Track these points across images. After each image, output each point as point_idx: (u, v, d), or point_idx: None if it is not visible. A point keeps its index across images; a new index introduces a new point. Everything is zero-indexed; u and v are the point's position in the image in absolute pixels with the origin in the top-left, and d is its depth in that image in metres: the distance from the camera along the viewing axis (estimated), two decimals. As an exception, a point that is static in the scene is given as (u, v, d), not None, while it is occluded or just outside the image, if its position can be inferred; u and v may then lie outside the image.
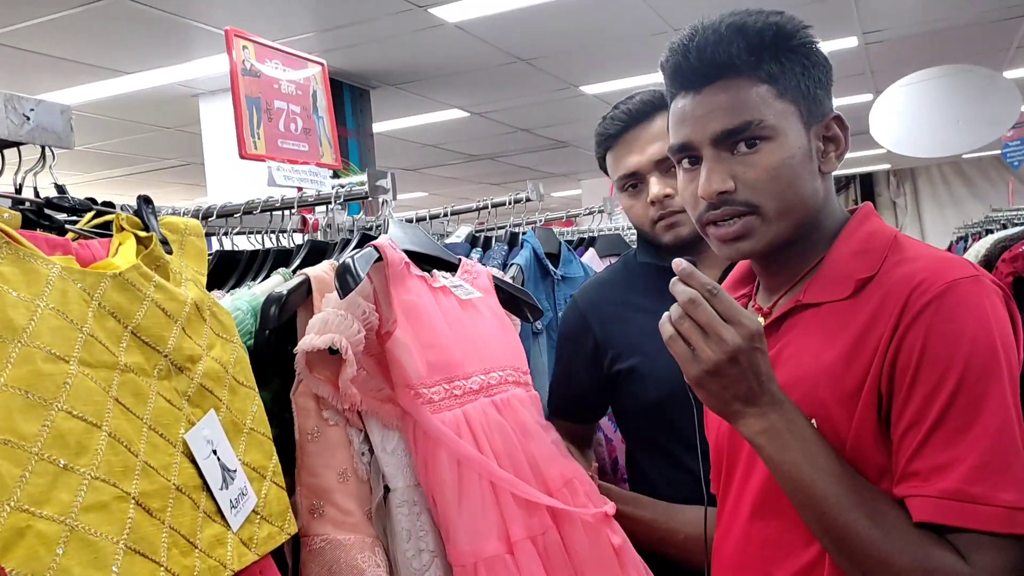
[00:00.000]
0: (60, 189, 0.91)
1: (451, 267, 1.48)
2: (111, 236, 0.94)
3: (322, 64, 2.40)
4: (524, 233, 2.18)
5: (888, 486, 0.88)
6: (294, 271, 1.39)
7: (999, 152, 7.05)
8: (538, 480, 1.27)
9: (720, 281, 1.43)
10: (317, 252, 1.50)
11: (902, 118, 4.65)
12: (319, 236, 1.66)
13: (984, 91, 4.44)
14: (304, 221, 1.78)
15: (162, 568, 0.74)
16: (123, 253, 0.90)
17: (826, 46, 1.08)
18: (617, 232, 2.79)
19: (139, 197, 0.99)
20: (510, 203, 2.16)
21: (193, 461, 0.86)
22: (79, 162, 6.54)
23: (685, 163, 1.01)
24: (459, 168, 8.12)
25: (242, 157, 2.02)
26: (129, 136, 5.79)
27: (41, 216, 0.87)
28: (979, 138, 4.63)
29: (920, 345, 0.86)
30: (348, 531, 1.14)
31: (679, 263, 0.89)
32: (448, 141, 6.94)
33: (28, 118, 0.86)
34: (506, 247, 2.16)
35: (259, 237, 1.59)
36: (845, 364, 0.91)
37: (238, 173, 4.01)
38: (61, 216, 0.91)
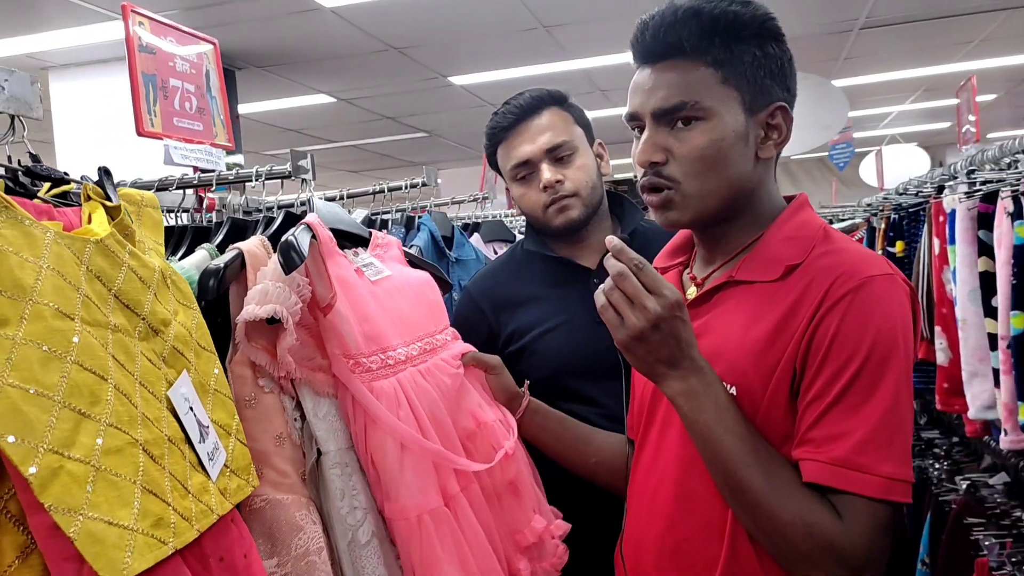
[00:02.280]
0: (35, 158, 0.93)
1: (364, 242, 1.56)
2: (78, 205, 0.97)
3: (214, 43, 2.39)
4: (420, 216, 2.28)
5: (789, 449, 0.99)
6: (218, 246, 1.43)
7: (824, 154, 7.74)
8: (459, 434, 1.38)
9: (599, 263, 1.58)
10: (238, 229, 1.54)
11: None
12: (214, 216, 1.70)
13: (817, 98, 4.88)
14: (201, 200, 1.80)
15: (170, 507, 0.81)
16: (97, 221, 0.94)
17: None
18: (500, 219, 2.93)
19: (100, 168, 1.02)
20: (406, 188, 2.25)
21: (176, 416, 0.92)
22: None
23: (636, 131, 1.09)
24: (320, 154, 8.02)
25: (139, 134, 2.01)
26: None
27: (16, 183, 0.90)
28: (811, 141, 5.09)
29: (833, 330, 0.96)
30: (286, 491, 1.20)
31: (611, 240, 0.98)
32: (311, 126, 6.85)
33: (3, 88, 0.89)
34: (403, 230, 2.25)
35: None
36: (768, 341, 1.00)
37: (94, 151, 3.84)
38: (35, 183, 0.93)
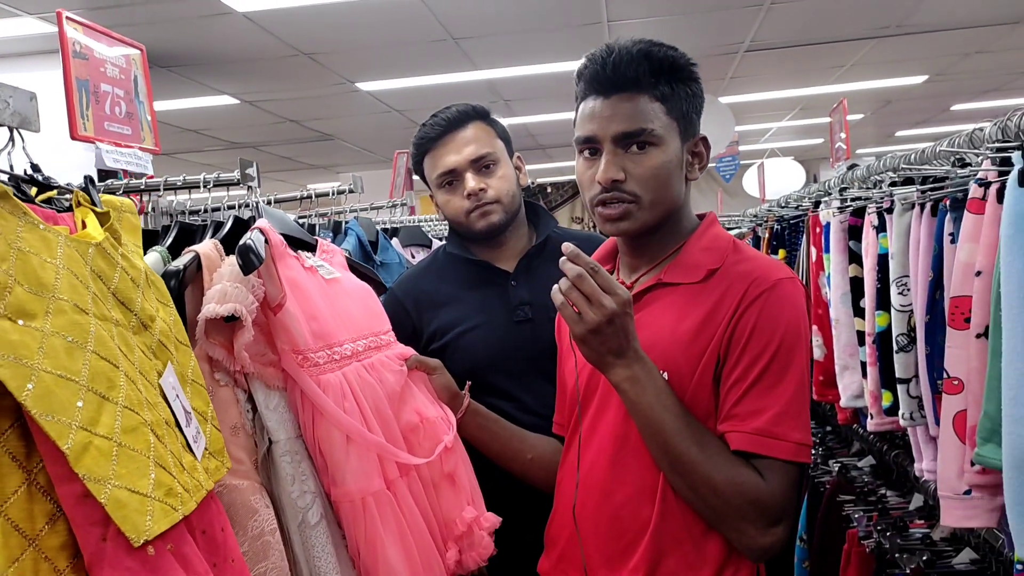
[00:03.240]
0: (35, 168, 1.02)
1: (310, 247, 1.67)
2: (71, 211, 1.06)
3: (141, 48, 2.45)
4: (347, 222, 2.38)
5: (712, 425, 1.18)
6: (169, 248, 1.51)
7: (713, 166, 8.17)
8: (400, 426, 1.51)
9: (516, 267, 1.73)
10: (186, 233, 1.62)
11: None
12: (146, 221, 1.77)
13: (707, 114, 5.19)
14: (133, 207, 1.87)
15: (176, 480, 0.92)
16: (91, 226, 1.04)
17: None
18: (418, 225, 3.05)
19: (85, 177, 1.11)
20: (333, 194, 2.36)
21: (167, 402, 1.02)
22: None
23: (587, 152, 1.24)
24: (218, 155, 7.91)
25: (73, 138, 2.06)
26: None
27: (18, 190, 0.98)
28: (701, 154, 5.42)
29: (752, 324, 1.16)
30: (241, 477, 1.30)
31: (568, 247, 1.12)
32: (212, 127, 6.76)
33: (8, 103, 0.97)
34: (331, 234, 2.35)
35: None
36: (695, 333, 1.19)
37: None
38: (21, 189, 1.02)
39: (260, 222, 1.48)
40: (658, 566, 1.20)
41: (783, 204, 2.80)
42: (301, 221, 2.32)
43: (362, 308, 1.59)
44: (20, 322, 0.82)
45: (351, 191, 2.32)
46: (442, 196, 1.76)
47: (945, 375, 1.28)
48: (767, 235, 2.99)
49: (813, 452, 2.78)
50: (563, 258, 1.12)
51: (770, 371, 1.15)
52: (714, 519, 1.17)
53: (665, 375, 1.19)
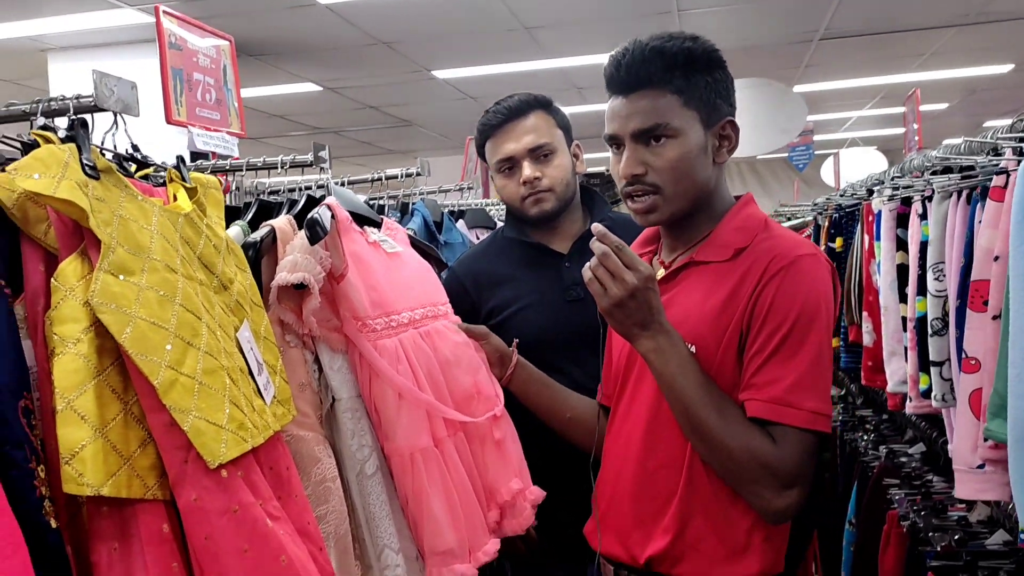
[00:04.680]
0: (135, 148, 1.18)
1: (375, 224, 1.81)
2: (164, 185, 1.22)
3: (230, 40, 2.63)
4: (414, 203, 2.53)
5: (736, 394, 1.24)
6: (249, 223, 1.67)
7: (786, 155, 8.08)
8: (451, 393, 1.63)
9: (570, 249, 1.85)
10: (264, 209, 1.78)
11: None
12: (231, 198, 1.94)
13: (778, 103, 5.19)
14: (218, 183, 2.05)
15: (247, 417, 1.07)
16: (181, 199, 1.19)
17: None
18: (483, 208, 3.18)
19: (177, 156, 1.27)
20: (402, 177, 2.50)
21: (242, 353, 1.17)
22: None
23: (614, 149, 1.32)
24: (301, 140, 8.21)
25: (168, 122, 2.24)
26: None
27: (120, 166, 1.14)
28: (773, 143, 5.41)
29: (771, 298, 1.22)
30: (307, 429, 1.45)
31: (597, 227, 1.22)
32: (295, 112, 7.04)
33: (113, 91, 1.13)
34: (398, 214, 2.50)
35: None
36: (721, 308, 1.26)
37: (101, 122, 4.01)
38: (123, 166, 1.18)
39: (328, 200, 1.62)
40: (687, 528, 1.29)
41: (842, 194, 2.82)
42: (372, 202, 2.48)
43: (420, 281, 1.72)
44: (121, 277, 0.97)
45: (418, 174, 2.46)
46: (500, 181, 1.87)
47: (964, 355, 1.34)
48: (826, 223, 3.01)
49: (865, 438, 2.81)
50: (593, 238, 1.22)
51: (787, 343, 1.21)
52: (732, 482, 1.25)
53: (693, 348, 1.27)
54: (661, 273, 1.39)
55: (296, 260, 1.47)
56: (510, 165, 1.83)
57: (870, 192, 2.39)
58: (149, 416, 0.97)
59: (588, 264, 1.23)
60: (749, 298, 1.25)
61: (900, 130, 10.17)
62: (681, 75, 1.26)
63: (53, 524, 0.90)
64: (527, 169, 1.79)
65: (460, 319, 1.73)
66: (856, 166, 7.79)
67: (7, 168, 0.94)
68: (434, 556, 1.49)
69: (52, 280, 0.95)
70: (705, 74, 1.28)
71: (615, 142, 1.32)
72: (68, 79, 4.68)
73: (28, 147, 1.02)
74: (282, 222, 1.58)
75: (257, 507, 1.02)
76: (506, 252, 1.92)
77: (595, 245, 1.21)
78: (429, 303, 1.69)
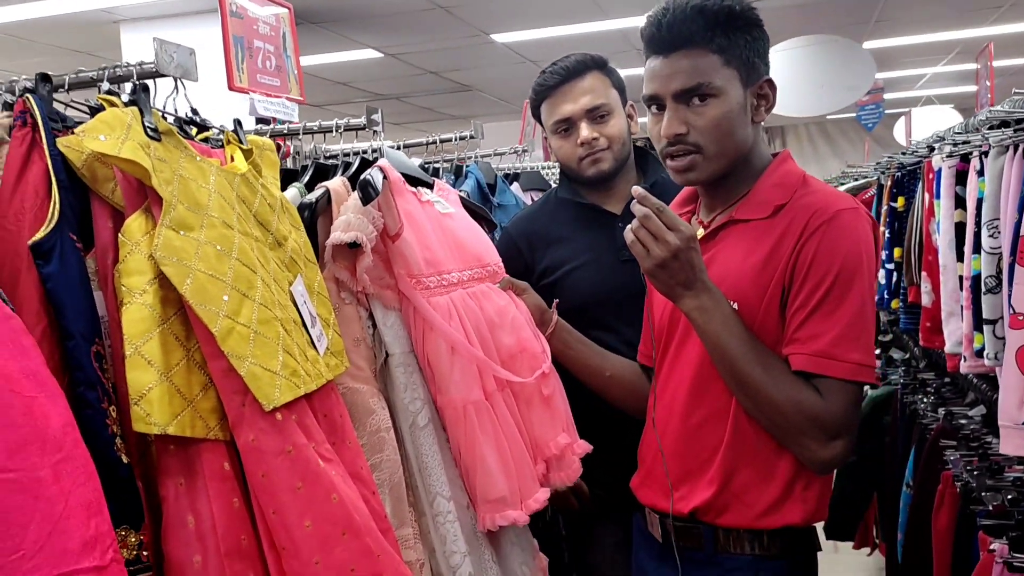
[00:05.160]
0: (194, 111, 1.24)
1: (427, 185, 1.86)
2: (223, 147, 1.29)
3: (289, 7, 2.69)
4: (468, 166, 2.57)
5: (779, 349, 1.27)
6: (306, 185, 1.74)
7: (854, 115, 7.85)
8: (499, 351, 1.68)
9: (624, 209, 1.86)
10: (321, 171, 1.84)
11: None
12: (292, 162, 2.00)
13: (844, 60, 5.05)
14: (279, 147, 2.12)
15: (299, 365, 1.13)
16: (238, 160, 1.26)
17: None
18: (537, 170, 3.20)
19: (235, 120, 1.33)
20: (456, 140, 2.54)
21: (296, 306, 1.24)
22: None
23: (654, 109, 1.33)
24: (362, 106, 8.29)
25: (230, 89, 2.32)
26: (44, 58, 5.74)
27: (180, 129, 1.21)
28: (838, 101, 5.26)
29: (812, 253, 1.23)
30: (361, 382, 1.51)
31: (637, 190, 1.24)
32: (358, 79, 7.13)
33: (173, 58, 1.19)
34: (453, 176, 2.55)
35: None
36: (762, 265, 1.27)
37: (160, 100, 4.15)
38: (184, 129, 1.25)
39: (380, 162, 1.67)
40: (731, 479, 1.32)
41: (904, 152, 2.76)
42: (427, 165, 2.53)
43: (470, 241, 1.77)
44: (181, 232, 1.04)
45: (472, 137, 2.50)
46: (556, 141, 1.88)
47: (1012, 311, 1.32)
48: (889, 183, 2.95)
49: (924, 400, 2.77)
50: (633, 200, 1.24)
51: (830, 297, 1.22)
52: (779, 435, 1.27)
53: (735, 305, 1.28)
54: (700, 233, 1.40)
55: (349, 220, 1.52)
56: (567, 126, 1.84)
57: (931, 149, 2.34)
58: (209, 362, 1.04)
59: (630, 226, 1.25)
60: (790, 254, 1.26)
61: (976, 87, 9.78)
62: (722, 34, 1.26)
63: (124, 459, 0.98)
64: (584, 130, 1.80)
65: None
66: (930, 125, 7.53)
67: (76, 131, 1.02)
68: (486, 503, 1.55)
69: (119, 235, 1.03)
70: (744, 33, 1.28)
71: (655, 102, 1.33)
72: (139, 49, 4.83)
73: (95, 111, 1.09)
74: (336, 184, 1.63)
75: (309, 449, 1.09)
76: (560, 213, 1.94)
77: (636, 207, 1.23)
78: (477, 264, 1.73)
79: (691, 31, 1.26)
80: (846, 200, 1.29)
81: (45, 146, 1.01)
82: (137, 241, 1.02)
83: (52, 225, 0.98)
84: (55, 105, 1.12)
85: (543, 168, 3.36)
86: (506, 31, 5.88)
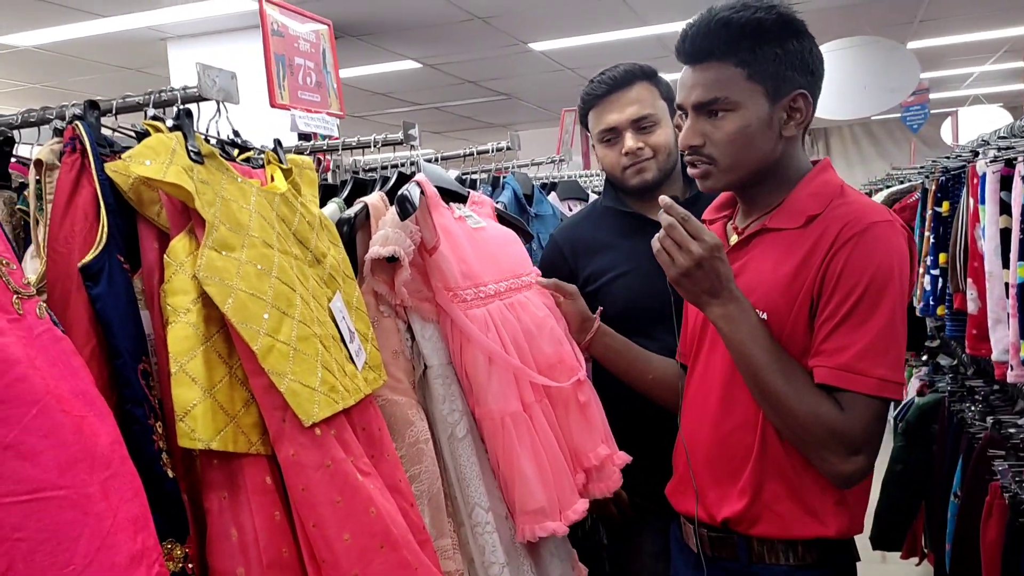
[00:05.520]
0: (236, 133, 1.28)
1: (462, 199, 1.88)
2: (263, 167, 1.32)
3: (329, 24, 2.73)
4: (505, 176, 2.59)
5: (807, 361, 1.25)
6: (345, 200, 1.77)
7: (898, 116, 7.72)
8: (536, 361, 1.69)
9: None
10: (359, 186, 1.88)
11: (817, 83, 5.17)
12: (333, 176, 2.04)
13: (887, 61, 4.97)
14: (319, 162, 2.15)
15: (338, 381, 1.16)
16: (278, 179, 1.29)
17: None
18: (575, 179, 3.21)
19: (275, 140, 1.37)
20: (492, 151, 2.56)
21: (334, 322, 1.26)
22: (51, 100, 6.60)
23: (682, 116, 1.34)
24: (402, 116, 8.39)
25: (272, 106, 2.36)
26: (95, 75, 5.91)
27: (223, 151, 1.25)
28: (882, 103, 5.18)
29: (842, 265, 1.21)
30: (400, 394, 1.53)
31: (664, 199, 1.26)
32: (397, 90, 7.21)
33: (215, 82, 1.23)
34: (490, 188, 2.57)
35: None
36: (793, 276, 1.26)
37: (207, 114, 4.25)
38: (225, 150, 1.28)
39: (417, 176, 1.69)
40: (762, 490, 1.31)
41: (949, 156, 2.71)
42: (465, 176, 2.56)
43: (505, 253, 1.78)
44: (223, 253, 1.07)
45: (508, 148, 2.51)
46: (602, 150, 1.90)
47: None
48: (933, 187, 2.90)
49: (972, 409, 2.72)
50: (661, 210, 1.25)
51: (858, 310, 1.20)
52: (800, 446, 1.26)
53: (764, 315, 1.28)
54: (735, 239, 1.40)
55: (387, 234, 1.55)
56: (612, 136, 1.85)
57: (975, 154, 2.30)
58: (251, 379, 1.07)
59: (656, 236, 1.27)
60: (820, 265, 1.24)
61: (1027, 85, 9.55)
62: (747, 47, 1.25)
63: (170, 474, 1.01)
64: (629, 140, 1.81)
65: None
66: (979, 124, 7.38)
67: (122, 156, 1.05)
68: (525, 515, 1.56)
69: (164, 256, 1.06)
70: (775, 46, 1.26)
71: (681, 110, 1.34)
72: (186, 65, 4.95)
73: (141, 136, 1.13)
74: (374, 199, 1.66)
75: (348, 463, 1.11)
76: (604, 221, 1.95)
77: (662, 217, 1.25)
78: (512, 275, 1.75)
79: (712, 44, 1.26)
80: (881, 212, 1.27)
81: (94, 171, 1.05)
82: (181, 262, 1.05)
83: (101, 247, 1.01)
84: (103, 130, 1.16)
85: (581, 177, 3.37)
86: (543, 40, 5.90)
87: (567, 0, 4.91)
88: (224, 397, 1.05)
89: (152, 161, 1.05)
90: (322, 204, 1.80)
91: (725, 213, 1.49)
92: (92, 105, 1.15)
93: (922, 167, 3.19)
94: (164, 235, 1.09)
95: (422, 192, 1.63)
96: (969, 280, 2.29)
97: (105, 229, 1.03)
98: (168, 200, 1.09)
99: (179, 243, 1.07)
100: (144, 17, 4.65)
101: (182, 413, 1.00)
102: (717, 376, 1.38)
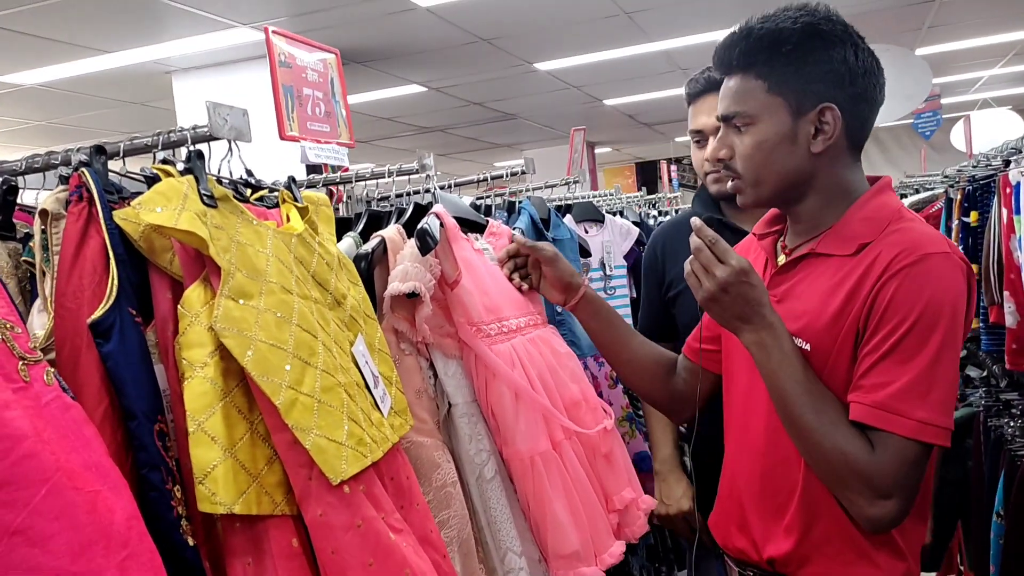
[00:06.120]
0: (249, 172, 1.22)
1: (480, 228, 1.82)
2: (278, 206, 1.26)
3: (336, 53, 2.69)
4: (520, 201, 2.52)
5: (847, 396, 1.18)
6: (360, 234, 1.71)
7: (911, 122, 7.65)
8: (562, 399, 1.62)
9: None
10: (374, 219, 1.82)
11: (827, 92, 5.10)
12: (345, 208, 1.98)
13: (899, 68, 4.91)
14: (331, 193, 2.10)
15: (365, 432, 1.09)
16: (294, 219, 1.23)
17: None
18: (590, 200, 3.15)
19: (289, 177, 1.31)
20: (507, 176, 2.50)
21: (358, 367, 1.20)
22: (57, 137, 6.61)
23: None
24: (408, 140, 8.37)
25: (282, 139, 2.31)
26: (101, 111, 5.91)
27: (236, 191, 1.19)
28: (897, 111, 5.12)
29: (890, 296, 1.13)
30: (425, 435, 1.47)
31: (695, 221, 1.21)
32: (403, 115, 7.19)
33: (227, 120, 1.17)
34: (506, 213, 2.50)
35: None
36: (840, 307, 1.18)
37: (215, 147, 4.23)
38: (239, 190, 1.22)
39: (436, 207, 1.63)
40: (812, 527, 1.24)
41: (975, 164, 2.64)
42: (479, 201, 2.50)
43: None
44: (240, 301, 1.01)
45: (523, 172, 2.46)
46: (692, 151, 1.90)
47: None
48: (959, 196, 2.82)
49: (1012, 425, 2.63)
50: (692, 233, 1.20)
51: (903, 346, 1.13)
52: (827, 483, 1.19)
53: (807, 346, 1.21)
54: (782, 259, 1.33)
55: (407, 269, 1.49)
56: (699, 138, 1.84)
57: (1006, 163, 2.23)
58: (273, 435, 1.00)
59: (689, 259, 1.22)
60: (868, 295, 1.17)
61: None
62: (765, 60, 1.20)
63: (190, 542, 0.94)
64: (711, 146, 1.79)
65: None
66: (989, 128, 7.30)
67: (132, 203, 1.00)
68: (559, 559, 1.49)
69: (179, 307, 1.00)
70: (798, 57, 1.19)
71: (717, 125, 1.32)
72: (192, 98, 4.93)
73: (151, 180, 1.07)
74: (391, 232, 1.60)
75: (380, 521, 1.04)
76: (678, 233, 1.91)
77: (692, 239, 1.20)
78: (528, 311, 1.68)
79: (731, 57, 1.23)
80: (938, 243, 1.17)
81: (102, 220, 0.99)
82: (196, 312, 0.99)
83: (111, 302, 0.95)
84: (111, 175, 1.10)
85: (595, 198, 3.31)
86: (549, 59, 5.87)
87: (572, 19, 4.88)
88: (246, 456, 0.98)
89: (163, 208, 0.99)
90: (336, 238, 1.75)
91: (776, 228, 1.41)
92: (98, 150, 1.09)
93: (945, 175, 3.11)
94: (178, 284, 1.03)
95: (441, 224, 1.57)
96: (1006, 293, 2.21)
97: (115, 281, 0.97)
98: (181, 248, 1.03)
99: (194, 292, 1.01)
100: (148, 51, 4.64)
101: (202, 475, 0.93)
102: (762, 405, 1.30)
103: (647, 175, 12.60)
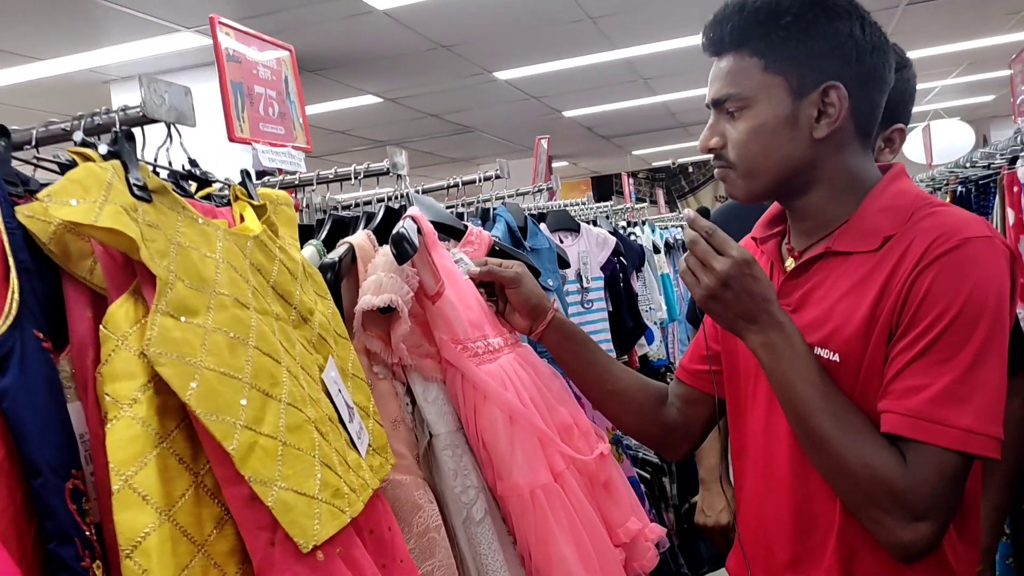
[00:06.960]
0: (193, 163, 1.00)
1: (459, 234, 1.62)
2: (229, 205, 1.04)
3: (290, 49, 2.48)
4: (495, 209, 2.33)
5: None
6: (324, 242, 1.50)
7: (870, 133, 7.68)
8: (556, 425, 1.43)
9: None
10: (339, 225, 1.61)
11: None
12: (301, 216, 1.76)
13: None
14: (290, 199, 1.88)
15: (342, 480, 0.87)
16: (249, 219, 1.01)
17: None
18: (564, 209, 2.98)
19: (242, 171, 1.09)
20: (479, 181, 2.31)
21: (329, 398, 0.98)
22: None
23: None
24: (363, 154, 8.15)
25: (231, 140, 2.10)
26: (33, 123, 5.58)
27: (176, 185, 0.97)
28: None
29: (927, 287, 0.98)
30: (404, 472, 1.26)
31: (688, 212, 1.07)
32: (357, 127, 6.97)
33: (164, 99, 0.96)
34: (479, 221, 2.31)
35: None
36: (870, 310, 1.03)
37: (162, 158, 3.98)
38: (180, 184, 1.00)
39: (411, 210, 1.44)
40: (852, 566, 1.07)
41: (969, 164, 2.52)
42: (449, 209, 2.30)
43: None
44: (182, 319, 0.79)
45: (498, 176, 2.27)
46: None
47: None
48: (948, 199, 2.71)
49: None
50: (686, 226, 1.07)
51: (941, 343, 0.97)
52: (849, 503, 1.03)
53: (836, 357, 1.05)
54: (791, 263, 1.17)
55: (381, 280, 1.30)
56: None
57: (1013, 160, 2.10)
58: (225, 489, 0.78)
59: (685, 254, 1.08)
60: (900, 289, 1.00)
61: (986, 98, 9.63)
62: (761, 35, 1.07)
63: (117, 636, 0.71)
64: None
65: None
66: (943, 140, 7.35)
67: (39, 195, 0.77)
68: (568, 604, 1.30)
69: (101, 327, 0.77)
70: (799, 30, 1.05)
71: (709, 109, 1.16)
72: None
73: (65, 168, 0.85)
74: (360, 238, 1.41)
75: (362, 593, 0.82)
76: (737, 217, 1.76)
77: (686, 232, 1.06)
78: (502, 330, 1.50)
79: (723, 34, 1.10)
80: (979, 226, 1.02)
81: (0, 219, 0.77)
82: (124, 334, 0.77)
83: (9, 322, 0.72)
84: (21, 167, 0.88)
85: (570, 207, 3.14)
86: (509, 68, 5.72)
87: (536, 24, 4.73)
88: (188, 518, 0.76)
89: (80, 200, 0.76)
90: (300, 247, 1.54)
91: (777, 229, 1.25)
92: (0, 132, 0.86)
93: (932, 177, 3.00)
94: (100, 299, 0.80)
95: (419, 229, 1.37)
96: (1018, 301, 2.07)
97: (15, 296, 0.74)
98: (104, 251, 0.80)
99: (120, 308, 0.78)
100: (84, 59, 4.36)
101: (129, 547, 0.71)
102: (783, 431, 1.13)
103: (603, 189, 12.56)
